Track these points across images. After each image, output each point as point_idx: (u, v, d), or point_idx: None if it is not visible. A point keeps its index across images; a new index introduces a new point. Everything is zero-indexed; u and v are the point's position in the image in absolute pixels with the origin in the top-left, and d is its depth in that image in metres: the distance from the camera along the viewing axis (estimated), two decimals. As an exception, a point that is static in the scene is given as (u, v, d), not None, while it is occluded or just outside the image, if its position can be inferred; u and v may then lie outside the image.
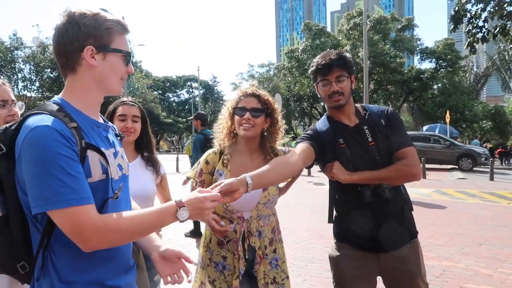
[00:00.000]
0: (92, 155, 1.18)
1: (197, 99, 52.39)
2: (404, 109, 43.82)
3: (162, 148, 58.67)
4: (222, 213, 2.02)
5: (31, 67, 33.11)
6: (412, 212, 2.10)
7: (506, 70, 39.38)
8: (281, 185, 2.33)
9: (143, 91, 41.69)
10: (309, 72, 2.11)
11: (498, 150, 27.21)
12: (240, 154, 2.12)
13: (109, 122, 1.46)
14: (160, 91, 59.20)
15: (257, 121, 2.04)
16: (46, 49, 31.59)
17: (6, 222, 1.17)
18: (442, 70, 36.66)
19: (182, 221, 1.21)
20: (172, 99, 63.89)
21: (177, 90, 63.34)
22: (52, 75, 32.65)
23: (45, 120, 1.11)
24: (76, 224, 1.08)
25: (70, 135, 1.12)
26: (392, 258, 1.98)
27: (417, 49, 37.78)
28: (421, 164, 13.41)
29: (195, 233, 6.03)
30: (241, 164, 2.10)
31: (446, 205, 8.62)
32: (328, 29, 44.38)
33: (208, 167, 2.12)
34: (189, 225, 6.09)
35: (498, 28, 10.11)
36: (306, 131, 2.14)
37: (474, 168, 17.07)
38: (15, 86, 32.89)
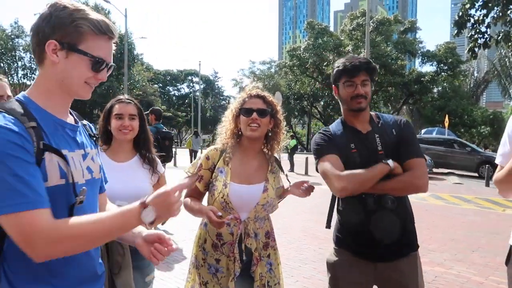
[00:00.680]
0: (49, 158, 1.10)
1: (198, 93, 52.27)
2: (403, 111, 43.83)
3: (161, 142, 58.44)
4: (220, 210, 2.01)
5: (32, 55, 32.94)
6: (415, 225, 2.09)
7: (506, 76, 39.37)
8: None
9: (144, 84, 41.54)
10: (333, 71, 2.08)
11: (495, 156, 27.20)
12: (242, 153, 2.14)
13: (84, 120, 1.41)
14: (161, 85, 59.02)
15: (263, 122, 2.08)
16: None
17: None
18: (442, 73, 36.66)
19: (149, 224, 1.12)
20: (173, 93, 63.72)
21: (177, 84, 63.18)
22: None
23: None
24: (23, 231, 0.99)
25: (26, 135, 1.05)
26: (389, 269, 1.98)
27: (419, 52, 37.77)
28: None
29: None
30: (242, 163, 2.12)
31: (441, 210, 8.64)
32: (331, 29, 44.33)
33: (208, 163, 2.12)
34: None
35: (501, 35, 10.11)
36: (321, 136, 2.10)
37: (470, 174, 16.97)
38: (15, 74, 32.78)
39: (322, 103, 44.70)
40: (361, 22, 35.03)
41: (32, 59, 33.24)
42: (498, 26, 10.39)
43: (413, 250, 2.04)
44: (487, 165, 13.89)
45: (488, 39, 10.09)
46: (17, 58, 33.26)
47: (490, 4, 9.76)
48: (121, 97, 2.32)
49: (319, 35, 37.33)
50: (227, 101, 55.65)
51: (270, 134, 2.18)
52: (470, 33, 10.34)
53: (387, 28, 35.83)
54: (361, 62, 1.98)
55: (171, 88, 63.20)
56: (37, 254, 1.02)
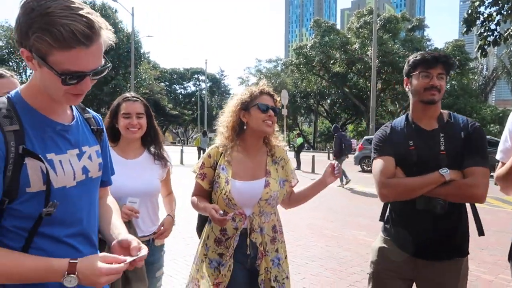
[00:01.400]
0: (31, 163, 1.07)
1: (204, 92, 52.41)
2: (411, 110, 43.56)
3: (167, 140, 58.85)
4: (224, 207, 2.01)
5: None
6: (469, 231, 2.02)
7: (515, 73, 38.97)
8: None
9: (150, 82, 41.74)
10: (409, 62, 2.03)
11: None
12: (243, 149, 2.12)
13: (89, 113, 1.36)
14: (167, 83, 59.34)
15: (275, 120, 2.09)
16: None
17: None
18: (451, 71, 36.34)
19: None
20: (179, 91, 64.05)
21: (184, 83, 63.46)
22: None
23: None
24: None
25: (0, 143, 1.02)
26: (428, 268, 1.95)
27: (427, 49, 37.48)
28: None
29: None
30: (243, 159, 2.10)
31: (450, 208, 8.55)
32: (338, 27, 44.11)
33: (210, 161, 2.11)
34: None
35: (509, 31, 9.99)
36: (381, 133, 2.11)
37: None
38: (24, 73, 33.04)
39: (328, 101, 44.62)
40: (368, 20, 34.82)
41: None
42: (508, 24, 10.28)
43: (459, 255, 1.97)
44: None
45: (498, 36, 9.98)
46: (25, 57, 33.62)
47: (500, 2, 9.65)
48: (128, 95, 2.30)
49: (325, 33, 37.17)
50: (233, 100, 55.59)
51: None
52: (479, 31, 10.23)
53: (394, 26, 35.59)
54: (440, 55, 1.96)
55: (177, 87, 63.50)
56: None
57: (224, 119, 2.16)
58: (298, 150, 17.73)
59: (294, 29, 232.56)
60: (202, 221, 2.23)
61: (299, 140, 18.82)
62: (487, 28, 10.12)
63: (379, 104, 35.32)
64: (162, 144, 2.39)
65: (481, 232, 1.95)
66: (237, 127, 2.11)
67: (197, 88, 62.57)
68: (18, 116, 1.08)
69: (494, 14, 9.78)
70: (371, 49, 27.51)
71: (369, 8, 36.47)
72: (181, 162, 18.41)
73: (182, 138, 61.54)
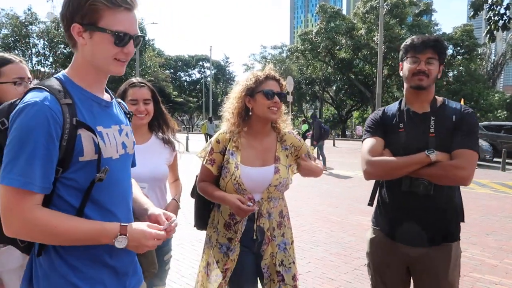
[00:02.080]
0: (85, 134, 1.17)
1: (209, 79, 52.21)
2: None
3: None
4: (233, 192, 2.02)
5: (45, 42, 33.17)
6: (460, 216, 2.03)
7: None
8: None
9: (155, 69, 41.59)
10: (401, 47, 2.04)
11: None
12: (251, 135, 2.12)
13: (119, 99, 1.46)
14: (172, 70, 59.06)
15: (281, 105, 2.08)
16: (60, 24, 31.54)
17: None
18: (458, 57, 35.86)
19: (117, 247, 1.18)
20: (184, 78, 63.79)
21: (189, 70, 63.17)
22: (65, 51, 32.72)
23: (35, 97, 1.11)
24: (6, 205, 1.07)
25: (58, 113, 1.11)
26: (419, 254, 1.95)
27: (434, 34, 36.92)
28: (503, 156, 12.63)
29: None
30: (252, 145, 2.10)
31: (455, 194, 8.54)
32: (344, 12, 43.50)
33: (219, 146, 2.11)
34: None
35: (518, 15, 9.80)
36: (372, 117, 2.13)
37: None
38: (29, 61, 33.09)
39: (334, 87, 44.26)
40: (374, 5, 34.28)
41: (45, 46, 33.54)
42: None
43: (448, 240, 1.96)
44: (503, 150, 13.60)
45: (507, 20, 9.79)
46: (31, 45, 33.50)
47: (509, -16, 9.47)
48: (134, 80, 2.29)
49: (331, 18, 36.71)
50: (238, 87, 55.41)
51: None
52: (488, 15, 10.04)
53: (401, 11, 35.01)
54: (429, 39, 1.94)
55: (182, 74, 63.25)
56: (9, 230, 1.10)
57: (230, 105, 2.15)
58: (303, 137, 17.72)
59: (300, 14, 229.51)
60: (201, 210, 2.22)
61: (304, 127, 18.80)
62: (496, 12, 9.93)
63: (385, 90, 34.95)
64: (174, 128, 2.40)
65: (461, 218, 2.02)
66: (242, 112, 2.10)
67: (202, 75, 62.32)
68: (69, 92, 1.19)
69: None
70: (377, 35, 27.15)
71: (376, -8, 35.90)
72: (187, 149, 18.47)
73: (187, 126, 61.55)
